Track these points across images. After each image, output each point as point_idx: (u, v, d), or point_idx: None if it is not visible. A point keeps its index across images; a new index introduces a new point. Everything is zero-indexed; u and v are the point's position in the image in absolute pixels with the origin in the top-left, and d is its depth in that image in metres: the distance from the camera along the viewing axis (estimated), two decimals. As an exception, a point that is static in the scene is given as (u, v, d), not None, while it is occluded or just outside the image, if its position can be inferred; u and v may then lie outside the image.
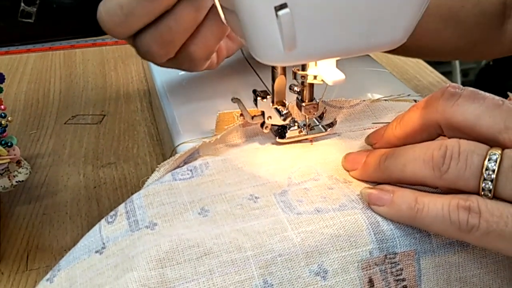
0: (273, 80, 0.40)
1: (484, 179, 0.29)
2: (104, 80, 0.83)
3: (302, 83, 0.40)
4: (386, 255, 0.32)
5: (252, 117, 0.41)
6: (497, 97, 0.31)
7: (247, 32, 0.31)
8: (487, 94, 0.31)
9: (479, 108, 0.31)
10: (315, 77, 0.37)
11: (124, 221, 0.34)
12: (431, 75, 0.84)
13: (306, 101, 0.41)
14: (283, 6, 0.29)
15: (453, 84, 0.33)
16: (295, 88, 0.41)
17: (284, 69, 0.40)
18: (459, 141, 0.30)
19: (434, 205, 0.30)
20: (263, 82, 0.47)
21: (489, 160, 0.29)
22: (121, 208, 0.35)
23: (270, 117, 0.41)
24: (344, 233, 0.32)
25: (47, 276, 0.33)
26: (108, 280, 0.31)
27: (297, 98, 0.42)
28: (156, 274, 0.30)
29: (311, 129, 0.42)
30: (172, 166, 0.39)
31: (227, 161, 0.39)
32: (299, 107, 0.42)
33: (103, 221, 0.35)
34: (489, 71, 1.78)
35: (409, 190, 0.32)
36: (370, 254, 0.32)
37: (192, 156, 0.41)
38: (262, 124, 0.41)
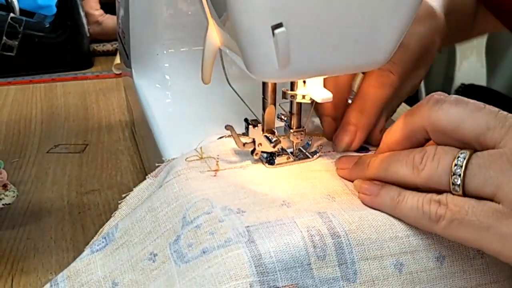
0: (264, 109, 0.43)
1: (453, 174, 0.32)
2: (85, 111, 0.84)
3: (290, 111, 0.42)
4: None
5: (244, 144, 0.43)
6: (478, 102, 0.34)
7: (244, 50, 0.33)
8: (470, 100, 0.34)
9: (462, 111, 0.33)
10: (303, 97, 0.40)
11: None
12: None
13: (294, 127, 0.43)
14: (279, 25, 0.31)
15: (439, 92, 0.36)
16: (283, 117, 0.43)
17: (274, 99, 0.42)
18: (437, 146, 0.34)
19: (412, 198, 0.34)
20: (251, 111, 0.49)
21: (458, 158, 0.32)
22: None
23: (261, 144, 0.43)
24: (224, 268, 0.31)
25: None
26: None
27: (285, 125, 0.44)
28: None
29: (299, 158, 0.44)
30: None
31: (131, 214, 0.39)
32: (287, 133, 0.43)
33: None
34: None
35: (395, 187, 0.35)
36: (250, 286, 0.31)
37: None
38: (253, 151, 0.43)
